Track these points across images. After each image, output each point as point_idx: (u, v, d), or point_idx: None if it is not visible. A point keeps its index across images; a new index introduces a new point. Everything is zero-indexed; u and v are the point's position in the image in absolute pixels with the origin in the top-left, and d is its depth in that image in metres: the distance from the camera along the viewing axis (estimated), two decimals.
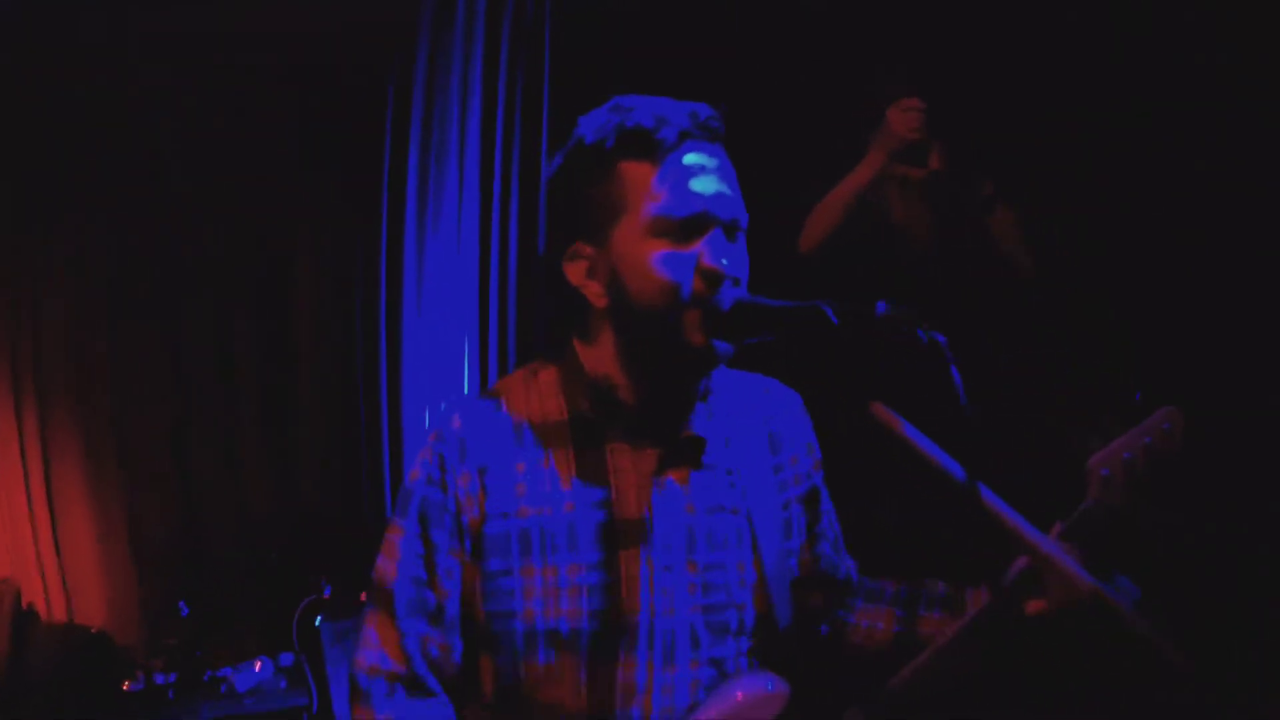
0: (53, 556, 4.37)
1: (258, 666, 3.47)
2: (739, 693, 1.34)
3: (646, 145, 1.25)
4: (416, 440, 4.57)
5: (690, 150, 1.26)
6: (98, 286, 4.40)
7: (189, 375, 4.55)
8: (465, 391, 4.53)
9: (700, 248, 1.25)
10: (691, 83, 1.40)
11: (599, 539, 1.30)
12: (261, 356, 4.65)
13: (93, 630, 4.12)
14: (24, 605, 4.06)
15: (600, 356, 1.35)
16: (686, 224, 1.24)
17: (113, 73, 4.24)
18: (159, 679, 3.45)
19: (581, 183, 1.31)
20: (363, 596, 3.99)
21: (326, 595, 3.87)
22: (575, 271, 1.32)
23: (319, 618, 3.79)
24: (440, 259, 4.67)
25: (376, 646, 1.35)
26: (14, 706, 3.79)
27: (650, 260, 1.24)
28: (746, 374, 1.49)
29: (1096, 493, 1.34)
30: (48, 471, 4.38)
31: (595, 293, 1.31)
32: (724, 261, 1.25)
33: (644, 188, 1.24)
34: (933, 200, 2.68)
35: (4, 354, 4.34)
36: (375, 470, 4.50)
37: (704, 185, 1.25)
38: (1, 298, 4.32)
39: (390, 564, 1.36)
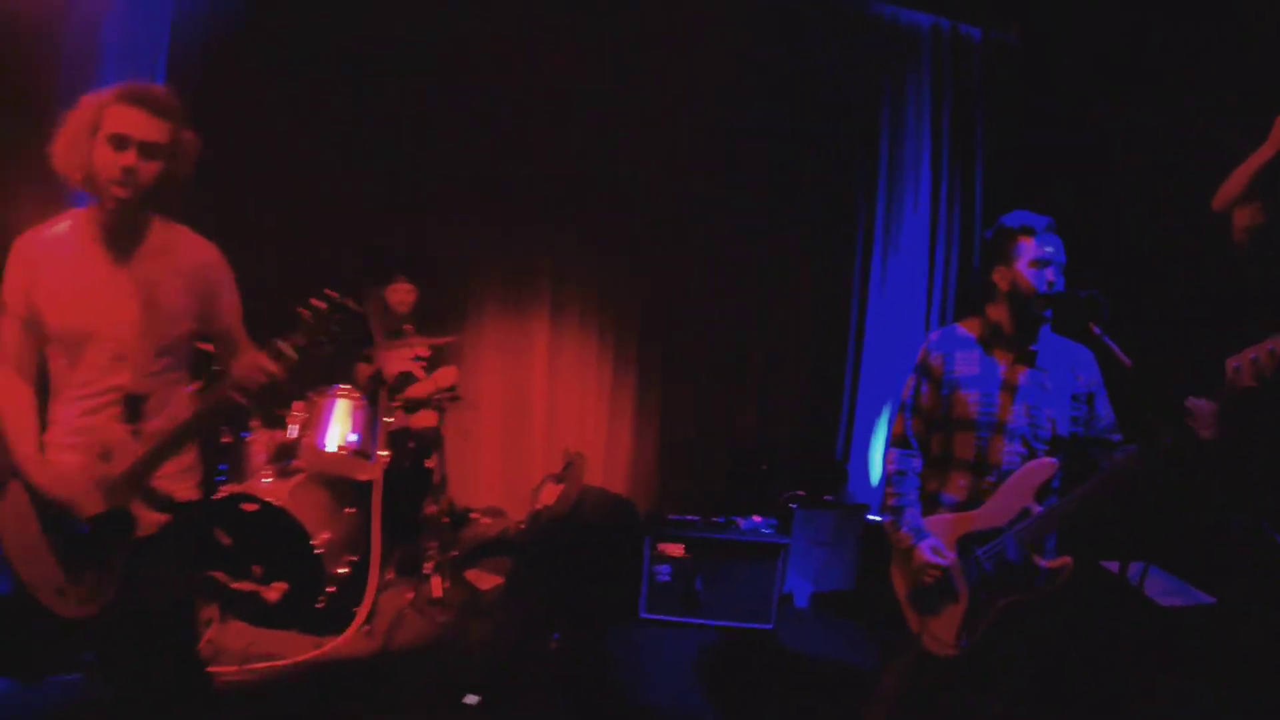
0: (603, 442, 6.23)
1: (756, 519, 4.91)
2: (1035, 463, 2.79)
3: (1032, 231, 2.80)
4: (872, 395, 6.00)
5: (1047, 233, 2.80)
6: (659, 276, 6.29)
7: (712, 340, 6.25)
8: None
9: (1047, 271, 2.76)
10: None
11: (992, 385, 2.84)
12: (763, 328, 6.24)
13: (623, 496, 5.81)
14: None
15: (999, 314, 2.87)
16: (1044, 261, 2.77)
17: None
18: (687, 517, 5.00)
19: (1005, 243, 2.84)
20: (827, 498, 5.37)
21: (800, 494, 5.27)
22: (999, 277, 2.85)
23: (794, 505, 5.20)
24: (898, 269, 6.06)
25: (896, 427, 3.03)
26: (572, 535, 5.52)
27: (1030, 277, 2.77)
28: (1069, 340, 2.89)
29: (1228, 378, 2.33)
30: (612, 387, 6.39)
31: (1004, 287, 2.84)
32: (1053, 281, 2.77)
33: (1029, 247, 2.79)
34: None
35: (590, 308, 6.40)
36: (850, 413, 5.98)
37: (1053, 248, 2.79)
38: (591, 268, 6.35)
39: (907, 391, 3.02)
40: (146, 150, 2.42)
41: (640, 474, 6.24)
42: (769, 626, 4.76)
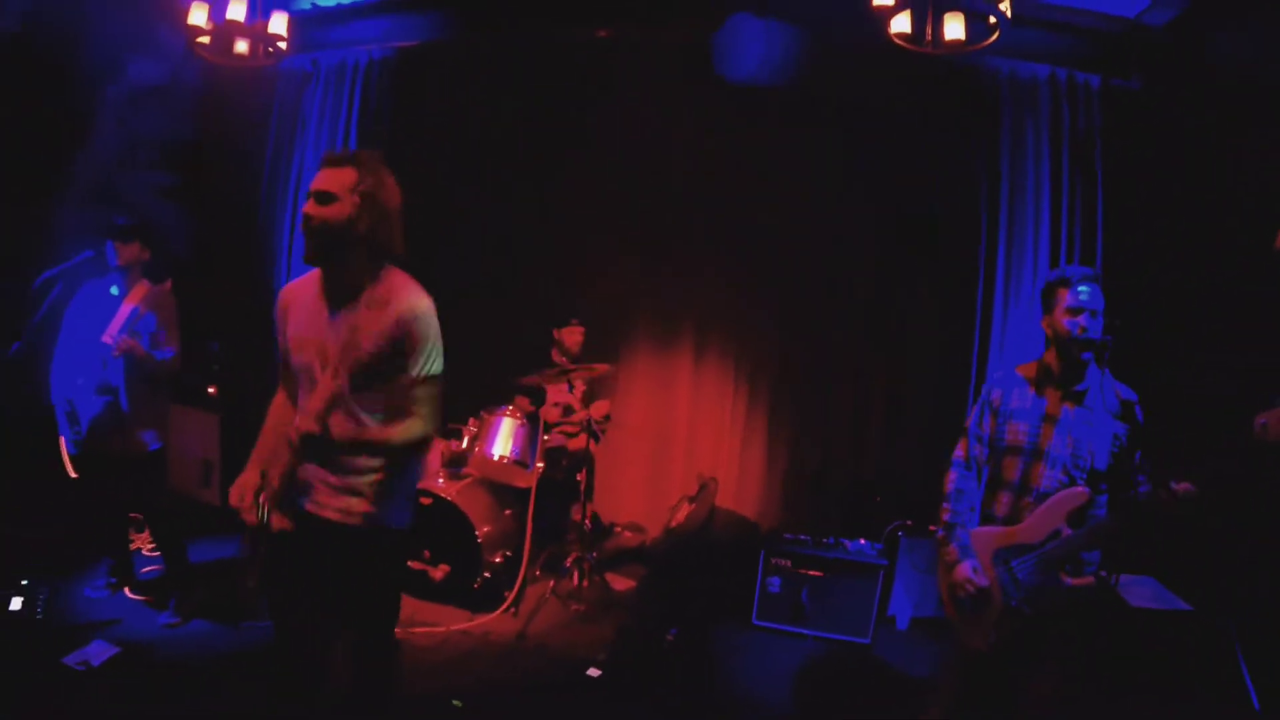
0: (735, 470, 6.84)
1: (862, 541, 5.39)
2: (1069, 490, 3.17)
3: (1068, 282, 3.20)
4: None
5: (1081, 283, 3.19)
6: (791, 321, 6.88)
7: (838, 372, 6.75)
8: None
9: (1079, 318, 3.16)
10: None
11: (1038, 418, 3.25)
12: (884, 363, 6.71)
13: (749, 518, 6.39)
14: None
15: (1049, 357, 3.28)
16: (1077, 309, 3.16)
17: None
18: (800, 536, 5.53)
19: (1050, 294, 3.26)
20: (931, 529, 5.76)
21: (909, 524, 5.70)
22: (1045, 325, 3.29)
23: (901, 534, 5.64)
24: (1018, 319, 6.32)
25: (960, 450, 3.45)
26: (703, 555, 6.11)
27: (1065, 323, 3.17)
28: (1116, 381, 3.22)
29: (1255, 433, 2.67)
30: (746, 421, 7.01)
31: (1049, 333, 3.27)
32: (1085, 327, 3.15)
33: (1065, 296, 3.19)
34: None
35: (730, 350, 7.05)
36: None
37: (1086, 297, 3.17)
38: (730, 314, 7.01)
39: (971, 420, 3.45)
40: (321, 198, 2.70)
41: (767, 500, 6.80)
42: (866, 641, 5.22)
